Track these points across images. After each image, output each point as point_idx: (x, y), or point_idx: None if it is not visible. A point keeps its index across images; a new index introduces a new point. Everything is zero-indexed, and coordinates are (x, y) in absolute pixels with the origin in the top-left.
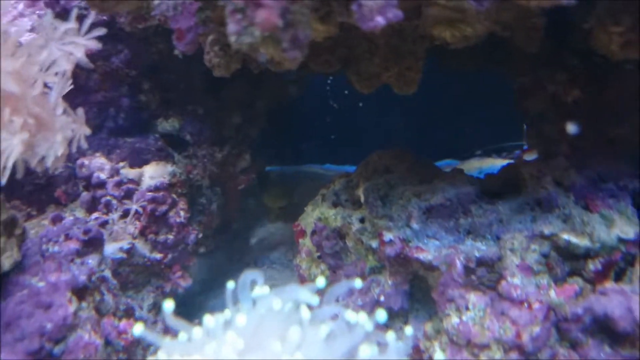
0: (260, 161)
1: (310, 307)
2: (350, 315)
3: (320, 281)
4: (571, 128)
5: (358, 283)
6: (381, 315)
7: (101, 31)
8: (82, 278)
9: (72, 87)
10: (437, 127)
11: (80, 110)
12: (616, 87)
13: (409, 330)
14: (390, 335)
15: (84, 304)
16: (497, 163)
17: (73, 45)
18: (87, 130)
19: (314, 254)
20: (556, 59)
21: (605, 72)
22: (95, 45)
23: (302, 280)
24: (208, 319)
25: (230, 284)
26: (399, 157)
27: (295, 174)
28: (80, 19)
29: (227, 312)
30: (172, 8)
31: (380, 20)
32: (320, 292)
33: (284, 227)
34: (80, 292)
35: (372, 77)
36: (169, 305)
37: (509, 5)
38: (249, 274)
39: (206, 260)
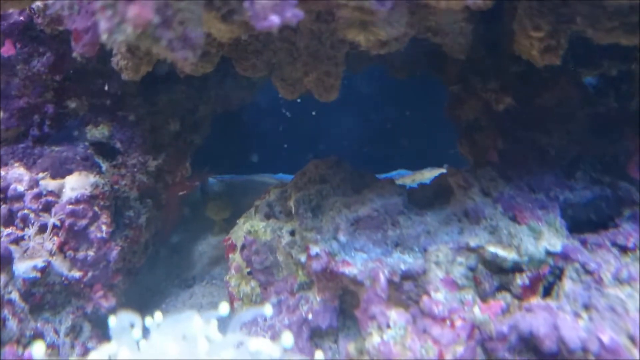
0: (205, 170)
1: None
2: (254, 343)
3: (224, 308)
4: (500, 137)
5: (268, 310)
6: (287, 339)
7: None
8: None
9: None
10: (391, 136)
11: None
12: (547, 96)
13: (319, 355)
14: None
15: None
16: None
17: None
18: None
19: (243, 269)
20: (489, 66)
21: (537, 80)
22: None
23: (232, 298)
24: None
25: (112, 320)
26: (335, 167)
27: (244, 183)
28: None
29: (113, 346)
30: (68, 7)
31: (274, 19)
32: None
33: None
34: None
35: (295, 82)
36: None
37: (424, 8)
38: (124, 316)
39: (142, 277)
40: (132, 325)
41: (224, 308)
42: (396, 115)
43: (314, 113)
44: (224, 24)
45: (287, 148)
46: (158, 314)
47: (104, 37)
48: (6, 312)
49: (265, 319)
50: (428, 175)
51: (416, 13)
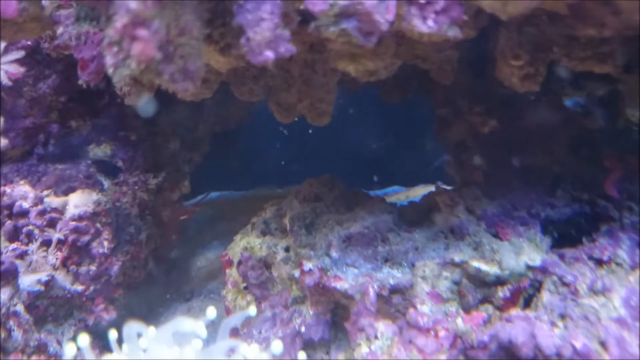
0: (204, 187)
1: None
2: (244, 349)
3: (211, 312)
4: (485, 157)
5: (252, 311)
6: (277, 346)
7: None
8: None
9: None
10: (386, 153)
11: None
12: (530, 118)
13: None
14: None
15: None
16: None
17: None
18: None
19: (240, 284)
20: (475, 90)
21: (520, 103)
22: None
23: (228, 312)
24: None
25: (113, 334)
26: (329, 185)
27: (241, 198)
28: None
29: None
30: (75, 38)
31: (269, 54)
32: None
33: None
34: None
35: (290, 107)
36: (83, 340)
37: (410, 40)
38: (132, 326)
39: (140, 291)
40: (138, 335)
41: (211, 312)
42: (389, 134)
43: (310, 131)
44: (223, 56)
45: (284, 165)
46: (151, 329)
47: (110, 71)
48: (12, 323)
49: (260, 332)
50: (421, 191)
51: (403, 44)
